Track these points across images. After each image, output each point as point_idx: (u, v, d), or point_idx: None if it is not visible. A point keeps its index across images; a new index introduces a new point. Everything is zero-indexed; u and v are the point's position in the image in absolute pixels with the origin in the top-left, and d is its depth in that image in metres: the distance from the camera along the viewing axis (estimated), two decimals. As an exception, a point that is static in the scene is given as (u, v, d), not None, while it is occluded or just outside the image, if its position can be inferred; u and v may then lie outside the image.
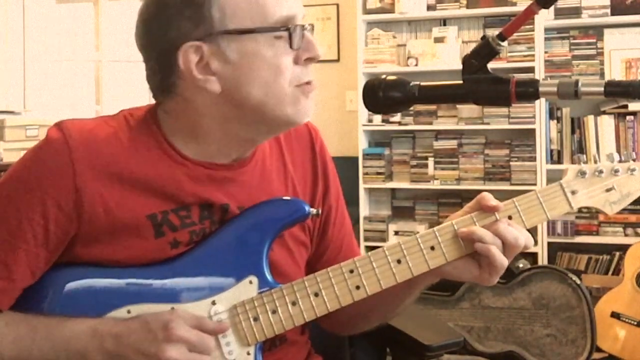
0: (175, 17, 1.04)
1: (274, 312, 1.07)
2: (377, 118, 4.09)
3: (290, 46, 1.04)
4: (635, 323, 3.03)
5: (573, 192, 1.10)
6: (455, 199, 4.07)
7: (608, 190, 1.11)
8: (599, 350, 3.01)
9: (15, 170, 1.08)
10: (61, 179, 1.04)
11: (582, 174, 1.11)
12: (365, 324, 1.28)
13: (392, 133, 4.15)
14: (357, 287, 1.07)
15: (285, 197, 1.17)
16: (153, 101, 1.16)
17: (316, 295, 1.07)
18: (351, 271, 1.08)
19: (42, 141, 1.08)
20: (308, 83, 1.07)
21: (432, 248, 1.08)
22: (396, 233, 4.03)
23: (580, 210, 3.76)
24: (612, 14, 3.73)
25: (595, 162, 1.12)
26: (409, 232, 4.02)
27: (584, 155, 1.13)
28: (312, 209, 1.13)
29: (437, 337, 1.35)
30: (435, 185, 4.03)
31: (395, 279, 1.08)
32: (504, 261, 1.05)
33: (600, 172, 1.11)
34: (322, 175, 1.25)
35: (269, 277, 1.09)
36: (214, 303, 1.07)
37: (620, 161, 1.12)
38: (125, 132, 1.10)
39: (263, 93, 1.05)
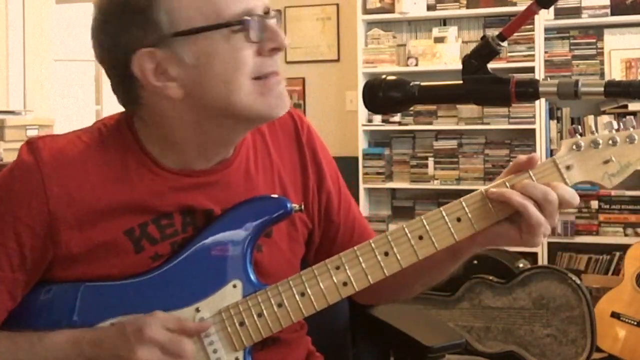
0: (123, 25, 1.00)
1: (260, 315, 1.04)
2: (377, 118, 4.09)
3: (249, 39, 0.99)
4: (635, 323, 3.03)
5: (568, 168, 1.03)
6: (455, 199, 4.05)
7: (606, 162, 1.02)
8: (599, 350, 3.01)
9: None
10: (34, 204, 1.02)
11: (577, 147, 1.02)
12: (408, 293, 1.26)
13: (392, 133, 4.15)
14: (345, 284, 1.04)
15: (263, 195, 1.12)
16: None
17: (302, 295, 1.04)
18: (337, 267, 1.04)
19: (13, 164, 1.05)
20: (272, 74, 1.02)
21: (420, 237, 1.04)
22: (396, 233, 4.03)
23: (579, 210, 3.76)
24: (612, 14, 3.73)
25: (592, 133, 1.03)
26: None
27: (580, 126, 1.06)
28: (294, 205, 1.09)
29: (439, 339, 1.35)
30: (435, 185, 4.03)
31: (383, 272, 1.04)
32: (540, 219, 0.99)
33: (597, 143, 1.02)
34: (313, 162, 1.20)
35: (253, 279, 1.06)
36: (198, 310, 1.04)
37: (617, 130, 1.02)
38: (100, 147, 1.07)
39: (226, 91, 1.00)
